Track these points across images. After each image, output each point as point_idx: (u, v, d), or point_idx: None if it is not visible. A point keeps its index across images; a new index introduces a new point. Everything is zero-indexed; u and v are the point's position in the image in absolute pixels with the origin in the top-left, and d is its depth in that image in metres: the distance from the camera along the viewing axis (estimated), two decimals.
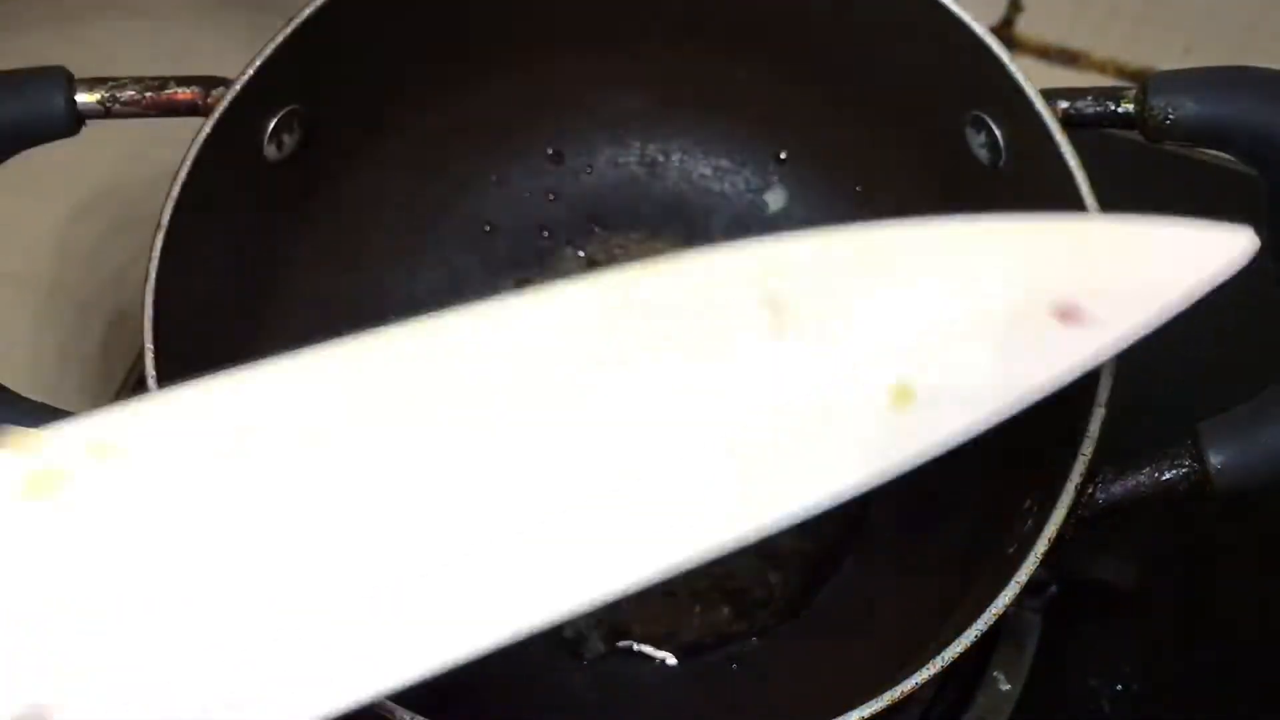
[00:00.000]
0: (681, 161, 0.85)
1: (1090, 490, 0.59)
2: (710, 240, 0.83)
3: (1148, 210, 0.85)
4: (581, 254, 0.83)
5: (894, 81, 0.73)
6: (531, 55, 0.79)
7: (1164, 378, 0.81)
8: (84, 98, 0.65)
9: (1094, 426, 0.59)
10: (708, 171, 0.85)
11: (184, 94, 0.66)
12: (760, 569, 0.75)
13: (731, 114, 0.83)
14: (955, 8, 0.66)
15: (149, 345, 0.61)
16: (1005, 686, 0.74)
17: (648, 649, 0.74)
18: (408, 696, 0.56)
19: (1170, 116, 0.62)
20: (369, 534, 0.40)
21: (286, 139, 0.70)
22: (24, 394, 0.62)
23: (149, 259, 0.63)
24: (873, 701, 0.56)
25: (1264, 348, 0.62)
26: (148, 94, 0.66)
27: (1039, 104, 0.64)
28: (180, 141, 0.64)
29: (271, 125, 0.68)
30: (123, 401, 0.41)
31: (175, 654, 0.37)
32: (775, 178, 0.84)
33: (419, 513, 0.40)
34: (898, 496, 0.76)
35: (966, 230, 0.47)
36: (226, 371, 0.43)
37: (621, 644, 0.74)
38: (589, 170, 0.85)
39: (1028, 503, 0.62)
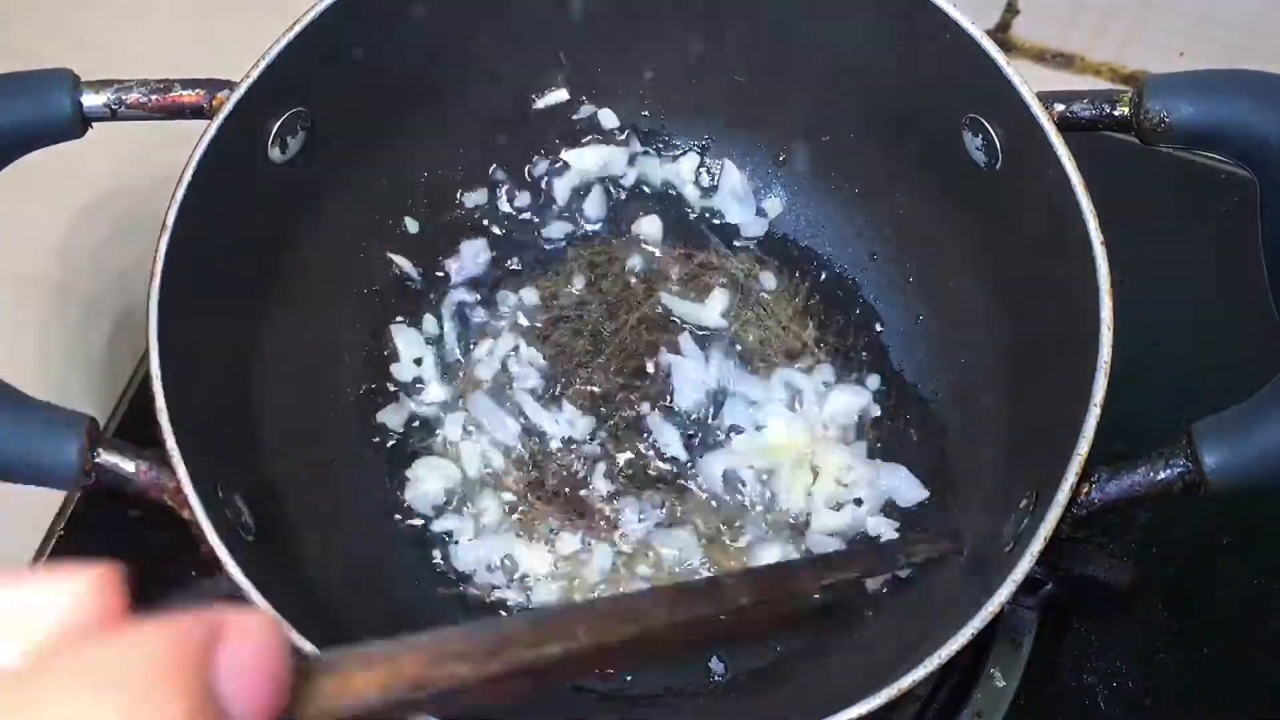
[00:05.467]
0: (682, 163, 0.85)
1: (1086, 489, 0.60)
2: (709, 241, 0.84)
3: (1144, 210, 0.86)
4: (584, 255, 0.84)
5: (892, 84, 0.74)
6: (534, 57, 0.80)
7: (1159, 379, 0.81)
8: (90, 100, 0.65)
9: (1089, 426, 0.59)
10: (708, 173, 0.85)
11: (189, 96, 0.66)
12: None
13: (731, 117, 0.83)
14: (952, 11, 0.67)
15: (153, 344, 0.62)
16: (1001, 683, 0.74)
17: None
18: None
19: (1166, 119, 0.63)
20: None
21: (290, 141, 0.70)
22: (31, 394, 0.62)
23: (154, 259, 0.63)
24: (871, 698, 0.56)
25: (1257, 349, 0.62)
26: (153, 96, 0.66)
27: (1035, 107, 0.64)
28: (185, 143, 0.65)
29: (275, 127, 0.69)
30: None
31: None
32: (775, 179, 0.84)
33: None
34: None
35: None
36: None
37: None
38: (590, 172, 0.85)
39: (1024, 502, 0.63)
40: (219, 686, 0.30)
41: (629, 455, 0.78)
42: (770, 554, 0.75)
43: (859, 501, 0.76)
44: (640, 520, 0.76)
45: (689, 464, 0.78)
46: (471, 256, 0.83)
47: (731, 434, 0.78)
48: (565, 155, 0.84)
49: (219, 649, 0.30)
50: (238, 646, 0.30)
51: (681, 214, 0.85)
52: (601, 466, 0.78)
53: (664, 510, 0.76)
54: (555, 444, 0.79)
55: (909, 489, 0.76)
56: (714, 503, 0.77)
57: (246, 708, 0.30)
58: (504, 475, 0.78)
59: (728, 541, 0.76)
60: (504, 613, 0.74)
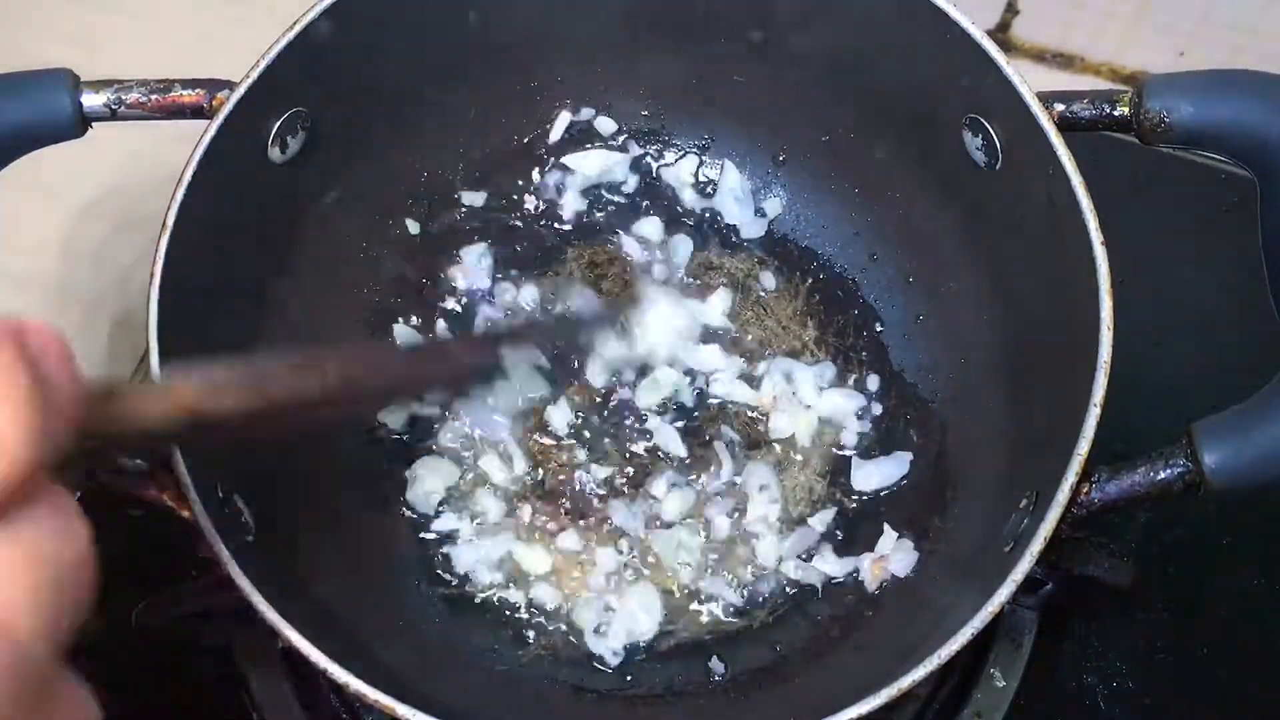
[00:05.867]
0: (682, 164, 0.85)
1: (1086, 489, 0.60)
2: (709, 242, 0.84)
3: (1143, 210, 0.86)
4: (585, 255, 0.84)
5: (892, 84, 0.74)
6: (535, 58, 0.80)
7: (1159, 379, 0.82)
8: (90, 100, 0.65)
9: (1089, 426, 0.59)
10: (708, 174, 0.85)
11: (189, 96, 0.66)
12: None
13: (731, 117, 0.83)
14: (952, 11, 0.67)
15: (153, 344, 0.62)
16: (1001, 683, 0.75)
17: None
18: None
19: (1166, 119, 0.63)
20: None
21: (290, 141, 0.70)
22: None
23: (153, 259, 0.63)
24: (871, 698, 0.56)
25: (1257, 349, 0.62)
26: (153, 96, 0.66)
27: (1035, 107, 0.64)
28: (185, 143, 0.65)
29: (275, 127, 0.69)
30: None
31: None
32: (775, 179, 0.84)
33: None
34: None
35: None
36: None
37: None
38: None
39: (1024, 502, 0.63)
40: (35, 358, 0.35)
41: (629, 455, 0.78)
42: (768, 546, 0.75)
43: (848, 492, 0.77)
44: (640, 519, 0.76)
45: (688, 462, 0.78)
46: (474, 261, 0.83)
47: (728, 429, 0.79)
48: (566, 159, 0.84)
49: (25, 335, 0.35)
50: (36, 335, 0.35)
51: (682, 215, 0.85)
52: (602, 466, 0.78)
53: (663, 508, 0.77)
54: (555, 443, 0.79)
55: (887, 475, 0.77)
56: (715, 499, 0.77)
57: (57, 378, 0.35)
58: (504, 475, 0.78)
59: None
60: (506, 612, 0.74)
